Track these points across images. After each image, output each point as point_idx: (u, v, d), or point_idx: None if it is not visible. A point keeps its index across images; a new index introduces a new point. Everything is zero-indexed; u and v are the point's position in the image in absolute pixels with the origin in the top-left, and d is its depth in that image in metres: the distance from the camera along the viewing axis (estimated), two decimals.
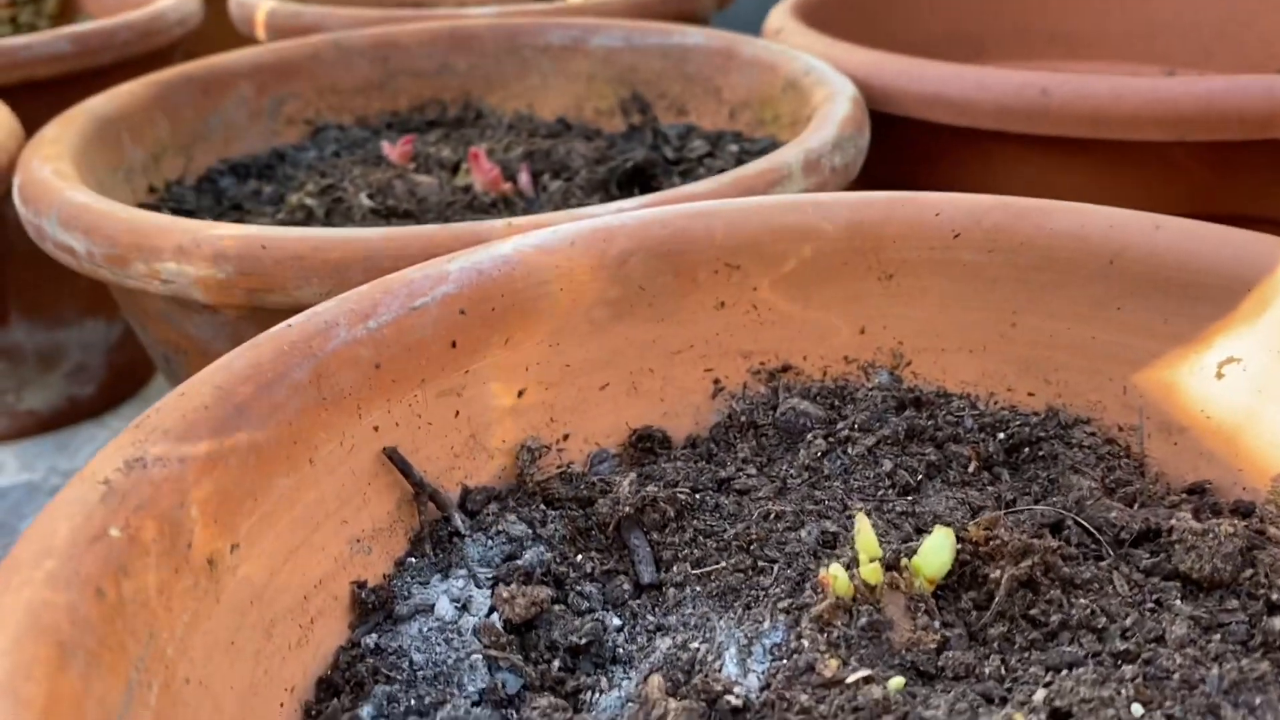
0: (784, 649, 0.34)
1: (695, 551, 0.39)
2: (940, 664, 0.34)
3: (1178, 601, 0.36)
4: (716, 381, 0.47)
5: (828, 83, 0.70)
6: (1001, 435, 0.44)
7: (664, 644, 0.36)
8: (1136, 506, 0.40)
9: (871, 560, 0.35)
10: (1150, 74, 0.97)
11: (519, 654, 0.36)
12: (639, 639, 0.37)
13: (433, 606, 0.37)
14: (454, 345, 0.42)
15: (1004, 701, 0.32)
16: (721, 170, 0.69)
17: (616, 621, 0.37)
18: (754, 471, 0.43)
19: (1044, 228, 0.45)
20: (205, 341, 0.57)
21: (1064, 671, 0.33)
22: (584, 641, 0.36)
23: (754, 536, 0.39)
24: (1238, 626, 0.34)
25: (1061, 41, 1.06)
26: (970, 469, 0.43)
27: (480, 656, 0.35)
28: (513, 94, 0.89)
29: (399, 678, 0.35)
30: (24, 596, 0.27)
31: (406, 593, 0.38)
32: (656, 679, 0.33)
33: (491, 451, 0.43)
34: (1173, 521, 0.38)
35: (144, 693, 0.28)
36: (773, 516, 0.40)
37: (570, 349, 0.44)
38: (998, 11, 1.06)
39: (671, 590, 0.38)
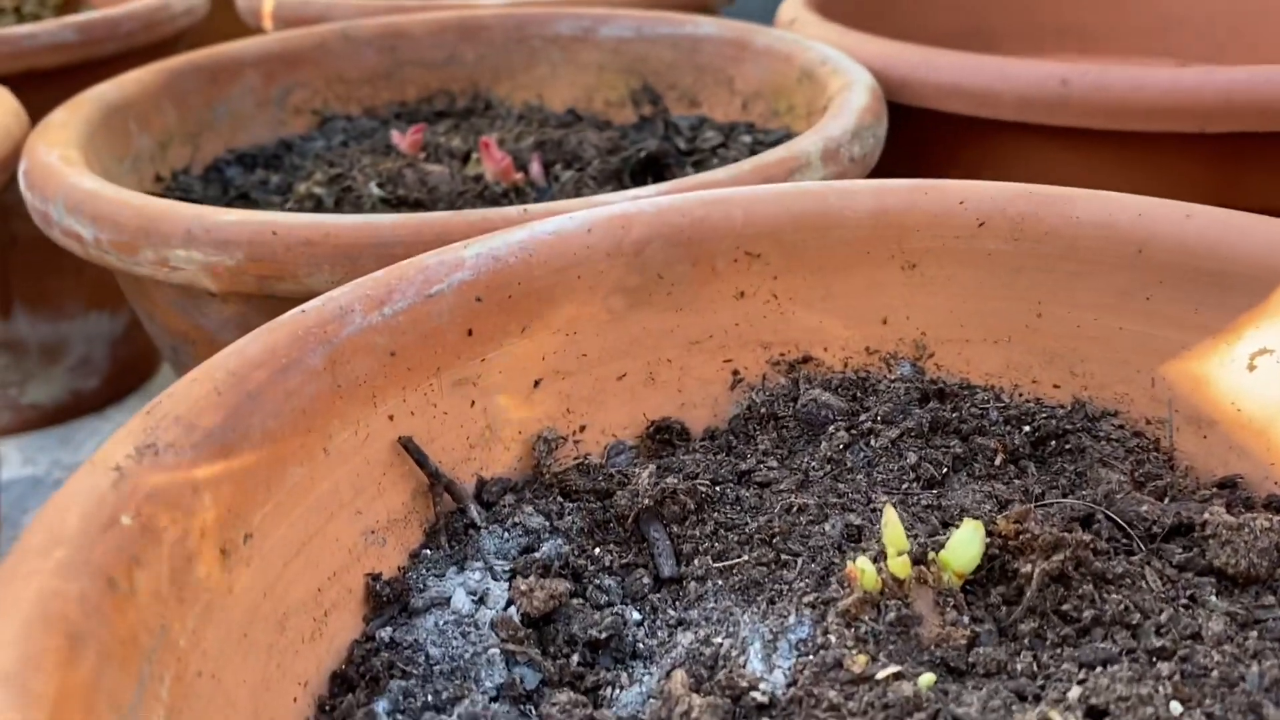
0: (810, 644, 0.34)
1: (716, 544, 0.38)
2: (971, 660, 0.33)
3: (1213, 597, 0.35)
4: (735, 372, 0.46)
5: (844, 72, 0.69)
6: (1027, 428, 0.43)
7: (685, 639, 0.35)
8: (1167, 501, 0.39)
9: (899, 554, 0.34)
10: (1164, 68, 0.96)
11: (537, 648, 0.35)
12: (659, 633, 0.36)
13: (449, 599, 0.37)
14: (470, 333, 0.41)
15: (1037, 699, 0.31)
16: (735, 161, 0.68)
17: (636, 615, 0.37)
18: (775, 464, 0.42)
19: (1070, 216, 0.44)
20: (213, 331, 0.56)
21: (1098, 669, 0.32)
22: (604, 636, 0.35)
23: (777, 529, 0.38)
24: (1275, 623, 0.34)
25: (1073, 36, 1.05)
26: (996, 462, 0.42)
27: (498, 650, 0.34)
28: (521, 85, 0.88)
29: (415, 672, 0.34)
30: (33, 585, 0.26)
31: (422, 585, 0.37)
32: (680, 674, 0.32)
33: (507, 442, 0.42)
34: (1206, 516, 0.37)
35: (156, 686, 0.27)
36: (795, 509, 0.39)
37: (587, 338, 0.44)
38: (1009, 5, 1.06)
39: (692, 584, 0.37)
